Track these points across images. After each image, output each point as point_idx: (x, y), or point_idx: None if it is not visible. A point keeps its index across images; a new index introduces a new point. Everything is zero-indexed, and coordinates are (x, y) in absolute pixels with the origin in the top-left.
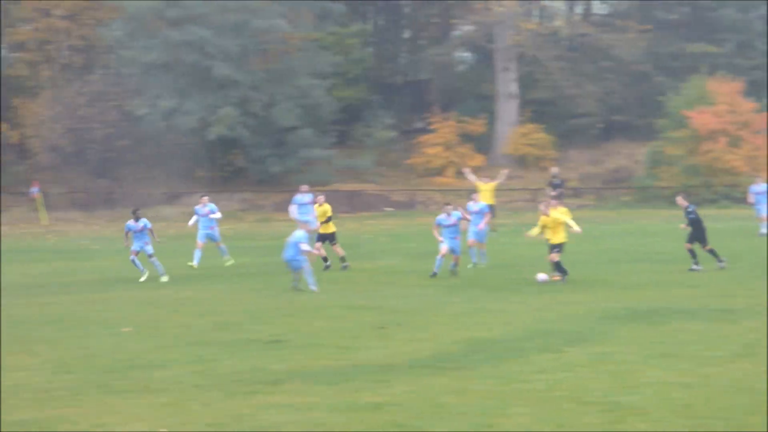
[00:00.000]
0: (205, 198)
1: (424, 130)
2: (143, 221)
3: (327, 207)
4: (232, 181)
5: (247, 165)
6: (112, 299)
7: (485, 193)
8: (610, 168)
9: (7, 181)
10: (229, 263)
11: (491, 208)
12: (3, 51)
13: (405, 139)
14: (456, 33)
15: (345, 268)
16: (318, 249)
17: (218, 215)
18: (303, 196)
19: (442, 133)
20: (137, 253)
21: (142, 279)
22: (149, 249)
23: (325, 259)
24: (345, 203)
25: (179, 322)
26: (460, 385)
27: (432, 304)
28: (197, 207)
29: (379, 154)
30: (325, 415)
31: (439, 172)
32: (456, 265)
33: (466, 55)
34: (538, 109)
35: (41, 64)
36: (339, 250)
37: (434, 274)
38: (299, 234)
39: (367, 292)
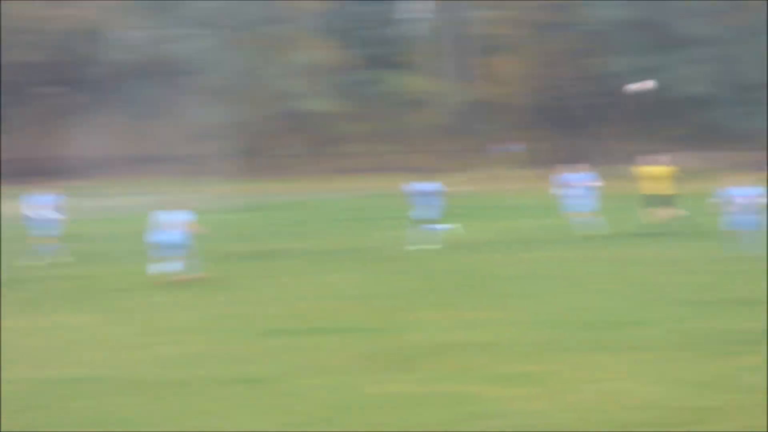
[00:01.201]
0: (583, 166)
1: None
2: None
3: (666, 169)
4: (697, 138)
5: (714, 122)
6: (593, 257)
7: None
8: None
9: (481, 138)
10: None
11: None
12: (479, 10)
13: None
14: None
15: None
16: (658, 213)
17: (594, 184)
18: None
19: None
20: None
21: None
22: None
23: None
24: None
25: (660, 280)
26: None
27: None
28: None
29: None
30: None
31: None
32: None
33: None
34: None
35: (517, 22)
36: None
37: None
38: None
39: None
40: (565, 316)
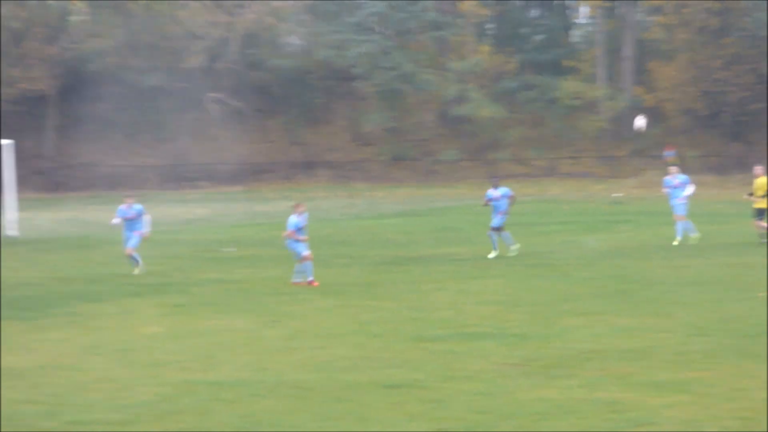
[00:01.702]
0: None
1: None
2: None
3: (764, 180)
4: None
5: None
6: (746, 263)
7: None
8: None
9: (642, 144)
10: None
11: None
12: (639, 15)
13: None
14: None
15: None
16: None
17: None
18: None
19: None
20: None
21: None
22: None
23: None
24: None
25: None
26: None
27: None
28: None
29: None
30: None
31: None
32: None
33: None
34: None
35: (677, 28)
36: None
37: None
38: None
39: None
40: (714, 324)
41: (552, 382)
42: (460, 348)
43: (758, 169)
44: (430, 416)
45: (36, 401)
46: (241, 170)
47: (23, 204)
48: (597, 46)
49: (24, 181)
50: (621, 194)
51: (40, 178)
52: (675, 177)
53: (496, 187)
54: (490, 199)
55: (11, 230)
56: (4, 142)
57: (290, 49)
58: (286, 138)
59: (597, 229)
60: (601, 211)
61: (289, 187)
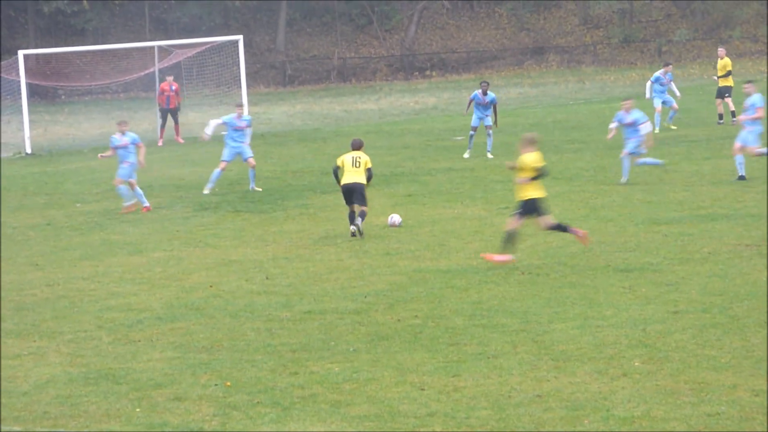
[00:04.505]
0: None
1: None
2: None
3: (727, 60)
4: None
5: None
6: None
7: None
8: None
9: None
10: None
11: None
12: None
13: None
14: None
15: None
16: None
17: None
18: None
19: None
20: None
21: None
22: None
23: (720, 117)
24: None
25: None
26: None
27: None
28: None
29: None
30: None
31: None
32: None
33: None
34: None
35: None
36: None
37: None
38: None
39: None
40: None
41: None
42: (695, 230)
43: (721, 50)
44: (664, 299)
45: (271, 292)
46: (470, 58)
47: (256, 98)
48: None
49: (256, 76)
50: None
51: (272, 72)
52: None
53: (485, 92)
54: (473, 101)
55: None
56: (235, 37)
57: None
58: (515, 24)
59: None
60: None
61: (518, 73)
